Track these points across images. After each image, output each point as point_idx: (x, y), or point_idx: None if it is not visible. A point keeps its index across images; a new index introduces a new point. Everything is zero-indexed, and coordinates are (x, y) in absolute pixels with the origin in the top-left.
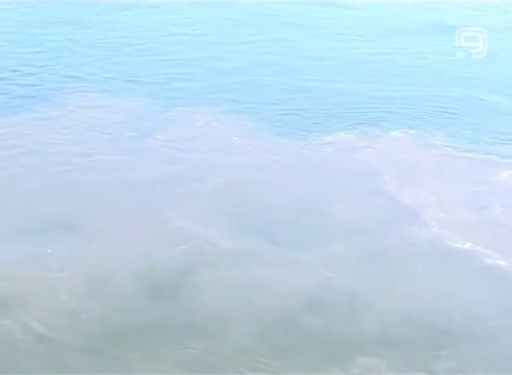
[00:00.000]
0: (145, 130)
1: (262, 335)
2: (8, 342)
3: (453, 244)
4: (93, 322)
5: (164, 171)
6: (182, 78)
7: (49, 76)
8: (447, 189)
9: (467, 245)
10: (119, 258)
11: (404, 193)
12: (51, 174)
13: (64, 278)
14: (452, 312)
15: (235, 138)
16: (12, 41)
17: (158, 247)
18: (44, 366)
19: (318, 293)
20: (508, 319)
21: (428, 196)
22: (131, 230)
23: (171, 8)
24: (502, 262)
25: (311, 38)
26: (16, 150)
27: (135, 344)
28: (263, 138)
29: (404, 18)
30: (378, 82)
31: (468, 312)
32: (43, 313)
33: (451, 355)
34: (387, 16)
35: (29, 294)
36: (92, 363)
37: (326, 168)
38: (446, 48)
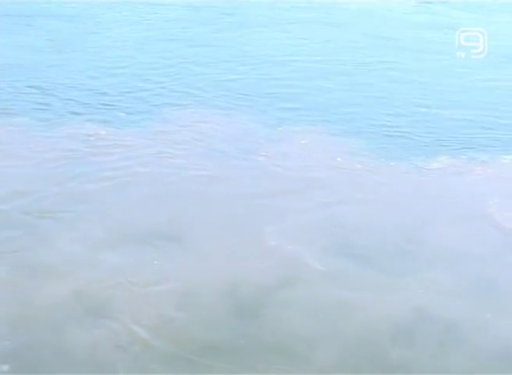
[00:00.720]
0: (252, 147)
1: (345, 360)
2: (118, 345)
3: None
4: (180, 333)
5: (266, 187)
6: (292, 97)
7: (164, 91)
8: None
9: None
10: (210, 272)
11: None
12: (158, 186)
13: (157, 288)
14: None
15: (339, 159)
16: (131, 56)
17: (249, 262)
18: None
19: (410, 321)
20: None
21: None
22: (227, 243)
23: (286, 28)
24: None
25: (426, 63)
26: (131, 161)
27: (221, 357)
28: (368, 159)
29: None
30: (490, 109)
31: None
32: (140, 321)
33: None
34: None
35: (127, 301)
36: (186, 369)
37: (432, 192)
38: None
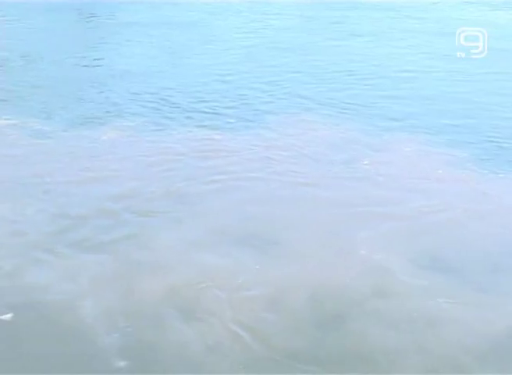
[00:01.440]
0: (354, 155)
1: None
2: (207, 345)
3: None
4: (265, 337)
5: (365, 196)
6: (397, 108)
7: (272, 99)
8: None
9: None
10: (299, 278)
11: None
12: (260, 191)
13: (248, 291)
14: None
15: (440, 171)
16: (241, 64)
17: (339, 271)
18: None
19: (502, 341)
20: None
21: None
22: (319, 250)
23: (396, 38)
24: None
25: None
26: (236, 167)
27: (302, 364)
28: (472, 171)
29: None
30: None
31: None
32: (229, 323)
33: None
34: None
35: (218, 302)
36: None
37: None
38: None
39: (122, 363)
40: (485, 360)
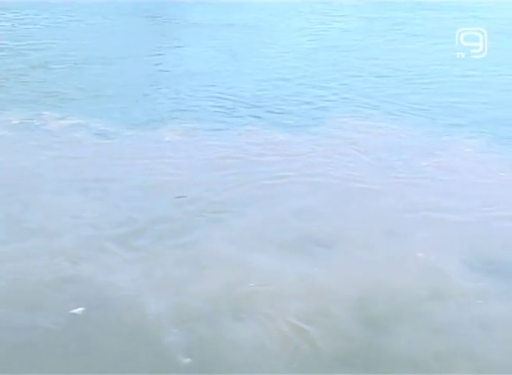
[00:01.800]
0: (414, 158)
1: None
2: (270, 349)
3: None
4: (312, 339)
5: (423, 200)
6: (460, 112)
7: (334, 99)
8: None
9: None
10: (350, 280)
11: None
12: (319, 194)
13: (298, 291)
14: None
15: (502, 174)
16: (302, 65)
17: (392, 273)
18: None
19: None
20: None
21: None
22: (371, 252)
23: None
24: None
25: None
26: (295, 170)
27: (350, 367)
28: None
29: None
30: None
31: None
32: (278, 324)
33: None
34: None
35: (267, 303)
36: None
37: None
38: None
39: (186, 360)
40: None
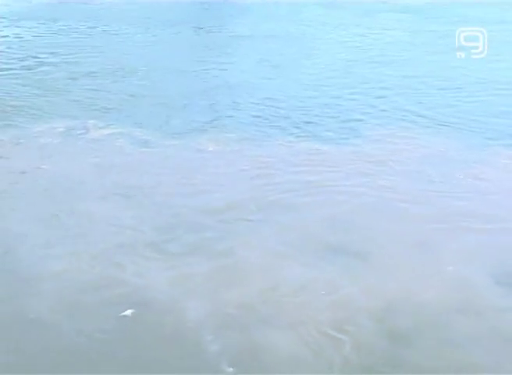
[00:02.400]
0: (450, 170)
1: None
2: (302, 358)
3: None
4: (338, 350)
5: (457, 211)
6: (500, 127)
7: (372, 112)
8: None
9: None
10: (379, 293)
11: None
12: (350, 204)
13: (326, 300)
14: None
15: None
16: (342, 77)
17: (421, 286)
18: None
19: None
20: None
21: None
22: (402, 264)
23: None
24: None
25: None
26: (330, 180)
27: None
28: None
29: None
30: None
31: None
32: (304, 335)
33: None
34: None
35: (293, 313)
36: None
37: None
38: None
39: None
40: None
